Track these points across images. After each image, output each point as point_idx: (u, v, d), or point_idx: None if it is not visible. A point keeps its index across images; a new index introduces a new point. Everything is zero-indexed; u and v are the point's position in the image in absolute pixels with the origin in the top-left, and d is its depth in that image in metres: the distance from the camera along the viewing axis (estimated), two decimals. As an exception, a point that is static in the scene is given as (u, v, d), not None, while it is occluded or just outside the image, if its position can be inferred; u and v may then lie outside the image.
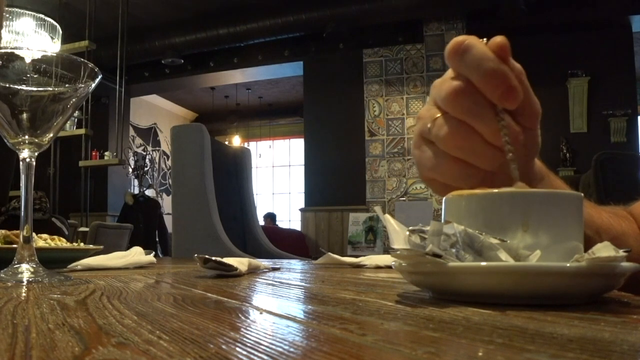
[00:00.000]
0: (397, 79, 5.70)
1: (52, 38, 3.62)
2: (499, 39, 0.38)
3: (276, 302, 0.41)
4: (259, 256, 2.37)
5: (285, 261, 1.36)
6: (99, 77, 0.60)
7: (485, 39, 0.39)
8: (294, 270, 0.88)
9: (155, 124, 8.89)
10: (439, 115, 0.40)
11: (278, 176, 10.44)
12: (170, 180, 5.01)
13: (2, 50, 0.57)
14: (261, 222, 7.72)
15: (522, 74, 0.39)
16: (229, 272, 0.66)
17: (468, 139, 0.39)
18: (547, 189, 0.47)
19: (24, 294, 0.42)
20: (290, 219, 9.66)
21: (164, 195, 8.28)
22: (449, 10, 5.38)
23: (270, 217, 7.98)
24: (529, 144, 0.42)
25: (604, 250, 0.32)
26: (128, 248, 1.04)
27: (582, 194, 0.38)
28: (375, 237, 5.15)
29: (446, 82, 0.39)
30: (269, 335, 0.24)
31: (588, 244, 0.35)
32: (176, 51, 6.20)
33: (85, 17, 4.91)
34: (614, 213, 0.56)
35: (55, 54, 0.59)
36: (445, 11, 5.39)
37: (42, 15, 3.57)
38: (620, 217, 0.56)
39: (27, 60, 0.56)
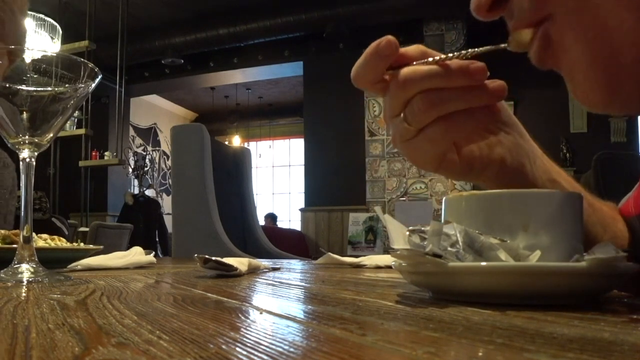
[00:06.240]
0: (397, 79, 5.69)
1: (52, 38, 3.62)
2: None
3: (276, 302, 0.41)
4: (259, 256, 2.37)
5: (285, 261, 1.36)
6: (99, 77, 0.60)
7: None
8: (294, 270, 0.88)
9: (155, 124, 8.88)
10: None
11: (278, 176, 10.43)
12: (170, 180, 5.01)
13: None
14: (262, 222, 7.75)
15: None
16: (229, 272, 0.66)
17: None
18: (547, 189, 0.47)
19: (24, 294, 0.42)
20: (290, 219, 9.65)
21: (164, 195, 8.27)
22: (449, 10, 5.38)
23: (271, 217, 7.96)
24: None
25: (604, 250, 0.32)
26: (128, 248, 1.03)
27: (582, 194, 0.38)
28: (375, 237, 5.14)
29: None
30: (269, 335, 0.24)
31: (591, 237, 0.36)
32: (176, 51, 6.20)
33: (85, 17, 4.91)
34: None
35: (55, 54, 0.59)
36: (445, 11, 5.39)
37: (42, 15, 3.57)
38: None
39: (27, 60, 0.56)
